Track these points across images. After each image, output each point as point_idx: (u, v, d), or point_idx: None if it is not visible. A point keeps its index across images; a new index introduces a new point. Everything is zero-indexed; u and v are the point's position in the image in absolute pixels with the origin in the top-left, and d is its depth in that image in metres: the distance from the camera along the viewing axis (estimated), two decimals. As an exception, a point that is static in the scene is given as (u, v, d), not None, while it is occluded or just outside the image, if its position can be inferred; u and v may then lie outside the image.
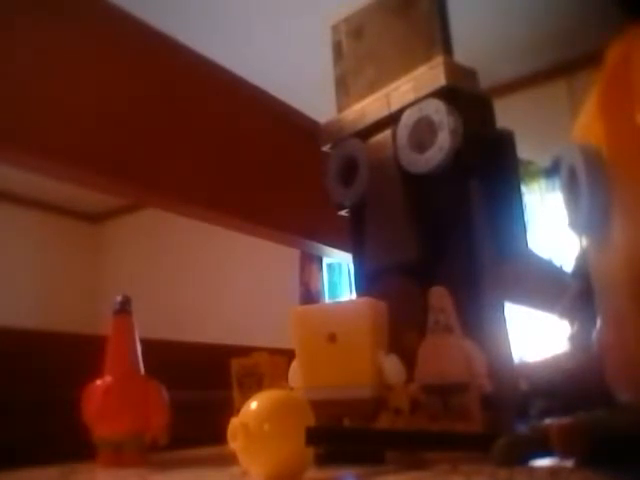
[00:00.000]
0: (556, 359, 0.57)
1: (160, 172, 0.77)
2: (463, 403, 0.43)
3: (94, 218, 4.53)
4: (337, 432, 0.39)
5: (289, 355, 0.46)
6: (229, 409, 0.53)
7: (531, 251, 0.57)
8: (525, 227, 0.54)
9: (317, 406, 0.37)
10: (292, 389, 0.44)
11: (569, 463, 0.32)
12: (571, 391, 0.51)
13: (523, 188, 0.56)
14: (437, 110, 0.52)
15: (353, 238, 0.60)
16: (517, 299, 0.57)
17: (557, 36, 2.66)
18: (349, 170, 0.59)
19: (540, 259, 0.66)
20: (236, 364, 0.59)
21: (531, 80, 2.95)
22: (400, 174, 0.55)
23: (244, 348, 0.66)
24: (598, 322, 0.42)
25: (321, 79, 0.98)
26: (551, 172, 2.63)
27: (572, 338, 0.56)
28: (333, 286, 3.59)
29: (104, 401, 0.50)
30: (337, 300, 3.20)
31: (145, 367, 0.53)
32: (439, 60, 0.53)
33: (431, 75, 0.53)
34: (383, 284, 0.55)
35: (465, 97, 0.53)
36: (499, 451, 0.33)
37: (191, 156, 0.82)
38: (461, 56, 0.54)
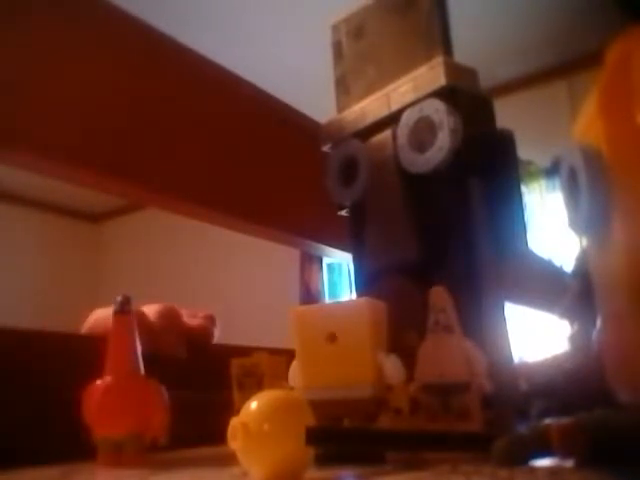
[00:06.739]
0: (556, 359, 0.57)
1: (160, 172, 0.77)
2: (463, 403, 0.43)
3: (94, 218, 4.53)
4: (337, 432, 0.39)
5: (289, 355, 0.46)
6: (229, 409, 0.53)
7: (531, 251, 0.57)
8: (525, 227, 0.54)
9: (317, 406, 0.37)
10: (292, 389, 0.44)
11: (569, 463, 0.32)
12: (571, 391, 0.51)
13: (523, 188, 0.56)
14: (437, 110, 0.52)
15: (353, 238, 0.60)
16: (517, 299, 0.57)
17: (557, 36, 2.66)
18: (349, 170, 0.59)
19: (540, 259, 0.66)
20: (236, 364, 0.59)
21: (531, 80, 2.95)
22: (400, 174, 0.55)
23: (244, 348, 0.66)
24: (598, 322, 0.42)
25: (321, 79, 0.98)
26: (551, 172, 2.63)
27: (572, 338, 0.56)
28: (333, 286, 3.59)
29: (104, 401, 0.50)
30: (337, 300, 3.20)
31: (145, 367, 0.53)
32: (439, 60, 0.53)
33: (431, 75, 0.53)
34: (383, 284, 0.55)
35: (465, 97, 0.53)
36: (499, 451, 0.33)
37: (191, 156, 0.82)
38: (461, 56, 0.54)
